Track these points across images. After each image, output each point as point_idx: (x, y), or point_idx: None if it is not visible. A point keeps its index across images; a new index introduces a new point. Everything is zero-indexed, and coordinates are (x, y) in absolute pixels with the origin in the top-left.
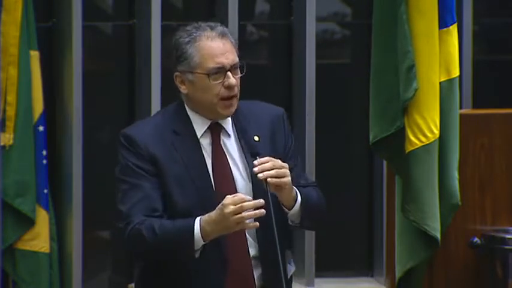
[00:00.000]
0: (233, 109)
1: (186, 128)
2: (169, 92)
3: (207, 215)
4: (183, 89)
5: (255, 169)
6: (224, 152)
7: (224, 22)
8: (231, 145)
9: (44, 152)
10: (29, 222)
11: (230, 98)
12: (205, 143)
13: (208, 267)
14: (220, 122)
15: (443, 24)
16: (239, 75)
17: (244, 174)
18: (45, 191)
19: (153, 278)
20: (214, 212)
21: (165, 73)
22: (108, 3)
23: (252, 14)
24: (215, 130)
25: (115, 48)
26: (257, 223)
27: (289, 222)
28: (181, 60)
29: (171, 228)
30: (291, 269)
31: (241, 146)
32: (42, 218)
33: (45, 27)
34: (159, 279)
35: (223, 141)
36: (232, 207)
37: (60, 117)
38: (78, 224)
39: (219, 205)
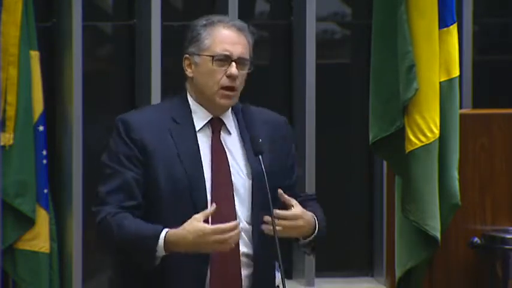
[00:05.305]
0: (231, 102)
1: (186, 119)
2: (170, 92)
3: (173, 230)
4: (189, 72)
5: (263, 227)
6: (224, 148)
7: None
8: (231, 142)
9: (44, 152)
10: (29, 222)
11: (230, 88)
12: (204, 137)
13: (190, 262)
14: (221, 117)
15: (443, 24)
16: (245, 71)
17: (244, 171)
18: (45, 191)
19: (132, 275)
20: (187, 230)
21: (165, 73)
22: (108, 3)
23: (252, 14)
24: (215, 125)
25: (115, 48)
26: (232, 245)
27: (298, 246)
28: (193, 41)
29: (137, 231)
30: (278, 276)
31: (244, 144)
32: (42, 218)
33: (45, 27)
34: (138, 274)
35: (223, 137)
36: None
37: (60, 117)
38: (78, 224)
39: (197, 229)
